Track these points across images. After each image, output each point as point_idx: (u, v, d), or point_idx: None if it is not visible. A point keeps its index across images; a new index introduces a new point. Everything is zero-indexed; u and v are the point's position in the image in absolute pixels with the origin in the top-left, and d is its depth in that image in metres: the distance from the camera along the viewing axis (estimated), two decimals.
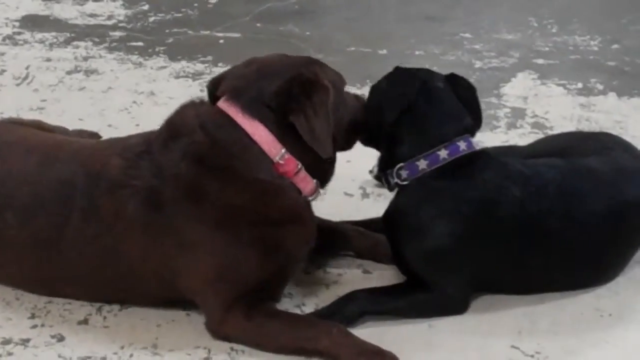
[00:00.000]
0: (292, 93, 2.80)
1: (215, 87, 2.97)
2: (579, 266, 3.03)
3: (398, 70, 3.12)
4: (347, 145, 3.12)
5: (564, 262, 2.99)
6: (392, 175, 3.00)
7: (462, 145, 2.95)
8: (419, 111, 2.97)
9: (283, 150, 2.79)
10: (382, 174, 3.09)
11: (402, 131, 2.99)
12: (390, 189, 3.06)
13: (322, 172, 2.96)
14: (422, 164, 2.94)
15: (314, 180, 2.90)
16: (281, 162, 2.79)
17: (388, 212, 3.07)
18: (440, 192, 2.92)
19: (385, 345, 2.71)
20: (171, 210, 2.77)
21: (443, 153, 2.93)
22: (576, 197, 2.96)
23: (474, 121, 3.06)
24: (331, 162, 2.98)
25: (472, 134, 3.04)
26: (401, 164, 2.97)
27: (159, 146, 2.85)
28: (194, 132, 2.81)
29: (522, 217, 2.90)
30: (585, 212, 2.96)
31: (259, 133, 2.78)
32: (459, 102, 3.03)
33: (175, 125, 2.89)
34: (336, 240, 3.27)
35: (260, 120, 2.79)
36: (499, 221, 2.89)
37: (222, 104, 2.86)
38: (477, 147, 3.00)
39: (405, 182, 2.97)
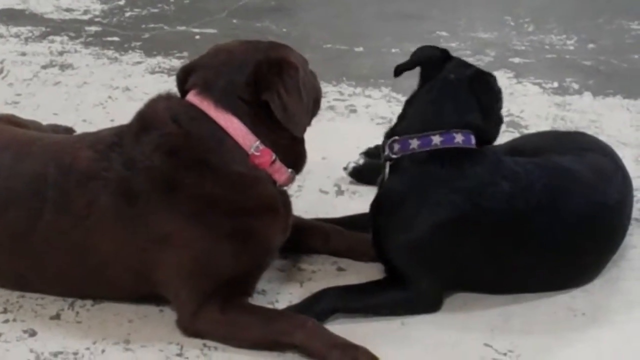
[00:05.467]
0: (262, 77, 2.82)
1: (185, 78, 2.97)
2: (558, 266, 3.03)
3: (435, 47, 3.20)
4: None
5: (544, 262, 2.99)
6: (387, 147, 3.01)
7: (458, 137, 2.95)
8: (429, 95, 3.04)
9: (257, 142, 2.82)
10: (383, 144, 3.09)
11: (409, 109, 3.08)
12: (383, 160, 3.05)
13: (296, 158, 2.98)
14: (414, 143, 2.95)
15: (289, 170, 2.92)
16: (256, 153, 2.82)
17: (377, 199, 3.07)
18: (429, 182, 2.92)
19: (357, 342, 2.70)
20: (144, 202, 2.76)
21: (436, 139, 2.94)
22: (560, 197, 2.97)
23: (485, 120, 3.07)
24: (302, 145, 3.00)
25: (478, 133, 3.02)
26: (396, 137, 2.99)
27: (131, 138, 2.85)
28: (166, 124, 2.82)
29: (509, 212, 2.90)
30: (567, 212, 2.97)
31: (233, 126, 2.80)
32: (470, 100, 3.04)
33: (147, 118, 2.89)
34: (315, 239, 3.26)
35: (233, 113, 2.81)
36: (485, 215, 2.89)
37: (194, 97, 2.86)
38: (473, 145, 2.99)
39: (395, 156, 2.98)
